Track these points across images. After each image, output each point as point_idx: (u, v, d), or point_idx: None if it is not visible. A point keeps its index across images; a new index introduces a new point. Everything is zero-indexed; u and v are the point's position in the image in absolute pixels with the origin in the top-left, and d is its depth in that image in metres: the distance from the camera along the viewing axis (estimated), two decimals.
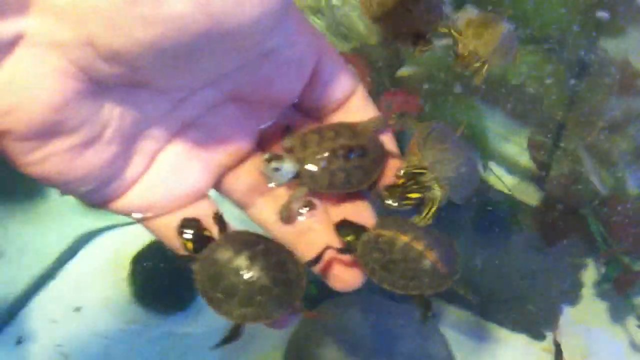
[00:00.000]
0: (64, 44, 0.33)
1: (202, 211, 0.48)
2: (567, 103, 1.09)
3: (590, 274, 1.12)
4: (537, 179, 1.13)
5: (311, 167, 0.49)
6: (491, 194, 1.09)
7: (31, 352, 0.98)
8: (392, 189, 0.51)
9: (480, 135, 1.09)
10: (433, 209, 0.52)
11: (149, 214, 0.47)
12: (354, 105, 0.51)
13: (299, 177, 0.49)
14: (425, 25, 0.54)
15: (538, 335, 1.08)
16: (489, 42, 0.54)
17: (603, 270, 1.08)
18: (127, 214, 0.47)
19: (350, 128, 0.50)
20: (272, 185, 0.49)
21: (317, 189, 0.50)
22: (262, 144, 0.52)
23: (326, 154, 0.49)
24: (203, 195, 0.49)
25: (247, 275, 0.46)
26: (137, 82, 0.39)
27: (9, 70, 0.33)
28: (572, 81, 1.08)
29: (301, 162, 0.49)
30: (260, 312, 0.46)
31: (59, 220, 1.06)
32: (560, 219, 1.06)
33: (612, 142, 1.07)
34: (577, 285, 1.10)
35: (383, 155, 0.52)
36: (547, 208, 1.07)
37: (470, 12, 0.58)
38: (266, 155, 0.48)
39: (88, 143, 0.39)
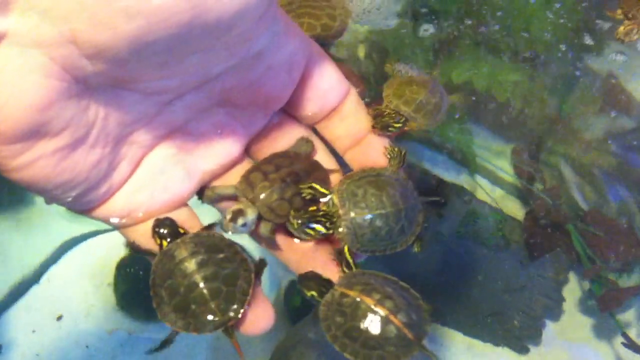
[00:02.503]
0: (47, 42, 0.33)
1: (181, 218, 0.47)
2: (551, 119, 1.10)
3: (573, 289, 1.12)
4: (521, 194, 1.14)
5: (267, 201, 0.48)
6: (477, 207, 1.09)
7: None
8: (299, 213, 0.48)
9: (467, 150, 1.10)
10: (349, 259, 0.49)
11: (129, 221, 0.46)
12: (347, 110, 0.51)
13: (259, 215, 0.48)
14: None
15: (522, 350, 1.08)
16: (410, 101, 0.56)
17: (587, 285, 1.09)
18: (109, 220, 0.46)
19: (286, 157, 0.50)
20: (233, 234, 0.48)
21: (279, 220, 0.48)
22: (250, 150, 0.51)
23: (277, 185, 0.48)
24: (184, 203, 0.48)
25: (190, 280, 0.44)
26: (122, 81, 0.38)
27: None
28: (556, 98, 1.09)
29: (255, 200, 0.48)
30: (189, 324, 0.44)
31: (41, 227, 1.04)
32: (544, 234, 1.07)
33: (594, 158, 1.08)
34: (561, 301, 1.10)
35: (325, 172, 0.52)
36: (530, 223, 1.08)
37: (401, 73, 0.61)
38: (229, 215, 0.47)
39: (73, 145, 0.39)
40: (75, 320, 1.02)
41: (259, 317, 0.46)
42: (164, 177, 0.46)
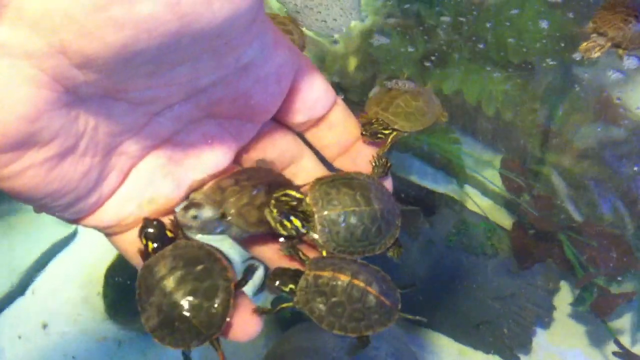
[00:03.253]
0: (37, 53, 0.33)
1: (168, 223, 0.47)
2: (541, 129, 1.10)
3: (564, 297, 1.13)
4: (509, 204, 1.14)
5: (236, 204, 0.47)
6: (467, 217, 1.09)
7: None
8: (283, 202, 0.48)
9: (456, 160, 1.10)
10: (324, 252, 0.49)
11: (117, 230, 0.46)
12: (335, 118, 0.52)
13: (227, 227, 0.47)
14: None
15: (512, 357, 1.08)
16: (387, 106, 0.56)
17: (577, 293, 1.09)
18: (99, 229, 0.46)
19: (260, 170, 0.50)
20: (194, 234, 0.47)
21: (247, 227, 0.48)
22: (240, 159, 0.52)
23: (248, 190, 0.47)
24: (170, 212, 0.48)
25: (170, 299, 0.45)
26: (112, 91, 0.38)
27: None
28: (548, 108, 1.10)
29: (224, 202, 0.47)
30: (177, 340, 0.45)
31: (29, 233, 1.04)
32: (533, 244, 1.07)
33: (586, 168, 1.09)
34: (551, 309, 1.10)
35: (297, 187, 0.51)
36: (518, 232, 1.08)
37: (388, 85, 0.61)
38: (182, 204, 0.46)
39: (63, 155, 0.39)
40: (62, 330, 1.01)
41: (246, 324, 0.47)
42: (152, 188, 0.46)
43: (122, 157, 0.44)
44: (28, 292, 1.05)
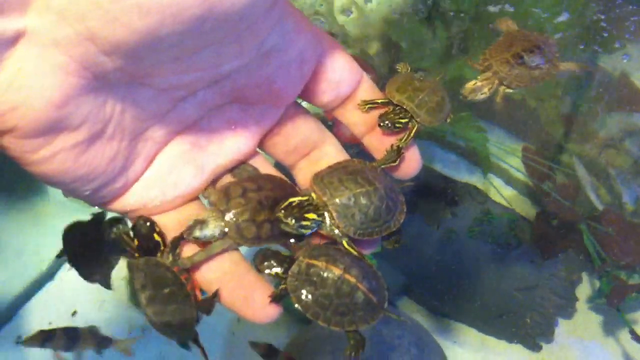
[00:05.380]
0: (65, 41, 0.34)
1: (189, 212, 0.48)
2: (565, 119, 1.10)
3: (585, 287, 1.13)
4: (533, 193, 1.14)
5: (236, 219, 0.47)
6: (490, 207, 1.10)
7: (29, 351, 0.97)
8: (289, 208, 0.47)
9: (481, 149, 1.10)
10: (353, 252, 0.49)
11: (140, 214, 0.47)
12: (362, 96, 0.52)
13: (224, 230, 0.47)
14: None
15: (534, 347, 1.09)
16: (412, 96, 0.56)
17: (598, 284, 1.09)
18: (124, 213, 0.47)
19: (272, 181, 0.50)
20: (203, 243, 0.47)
21: (242, 242, 0.47)
22: (264, 145, 0.52)
23: (252, 205, 0.47)
24: (194, 197, 0.49)
25: (146, 311, 0.48)
26: (138, 77, 0.39)
27: (11, 69, 0.34)
28: (571, 97, 1.10)
29: (226, 213, 0.47)
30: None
31: (57, 221, 1.05)
32: (556, 234, 1.07)
33: (609, 157, 1.08)
34: (573, 299, 1.10)
35: None
36: (542, 223, 1.08)
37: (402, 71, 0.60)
38: (190, 223, 0.46)
39: (91, 139, 0.40)
40: (90, 316, 1.03)
41: (267, 306, 0.47)
42: (175, 174, 0.47)
43: (147, 143, 0.45)
44: (57, 280, 1.06)
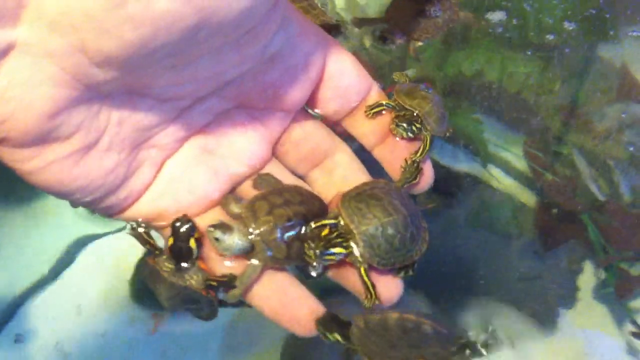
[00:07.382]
0: (57, 52, 0.34)
1: (211, 220, 0.47)
2: (564, 110, 1.10)
3: (587, 278, 1.13)
4: (534, 184, 1.14)
5: (266, 240, 0.45)
6: (491, 197, 1.09)
7: (30, 350, 0.97)
8: (314, 243, 0.46)
9: (480, 142, 1.10)
10: (367, 281, 0.48)
11: (161, 223, 0.46)
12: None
13: (252, 249, 0.45)
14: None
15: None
16: (423, 104, 0.55)
17: (601, 274, 1.09)
18: (139, 221, 0.47)
19: (297, 193, 0.48)
20: (222, 253, 0.45)
21: (273, 263, 0.46)
22: (276, 152, 0.51)
23: (281, 222, 0.45)
24: (214, 204, 0.48)
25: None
26: (134, 87, 0.38)
27: (2, 80, 0.34)
28: (569, 88, 1.09)
29: (254, 232, 0.45)
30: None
31: (59, 219, 1.05)
32: (558, 224, 1.07)
33: (608, 148, 1.08)
34: (575, 290, 1.10)
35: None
36: (544, 213, 1.08)
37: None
38: (214, 224, 0.45)
39: (85, 150, 0.39)
40: (93, 312, 1.03)
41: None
42: (187, 180, 0.46)
43: (152, 150, 0.44)
44: (61, 276, 1.06)
